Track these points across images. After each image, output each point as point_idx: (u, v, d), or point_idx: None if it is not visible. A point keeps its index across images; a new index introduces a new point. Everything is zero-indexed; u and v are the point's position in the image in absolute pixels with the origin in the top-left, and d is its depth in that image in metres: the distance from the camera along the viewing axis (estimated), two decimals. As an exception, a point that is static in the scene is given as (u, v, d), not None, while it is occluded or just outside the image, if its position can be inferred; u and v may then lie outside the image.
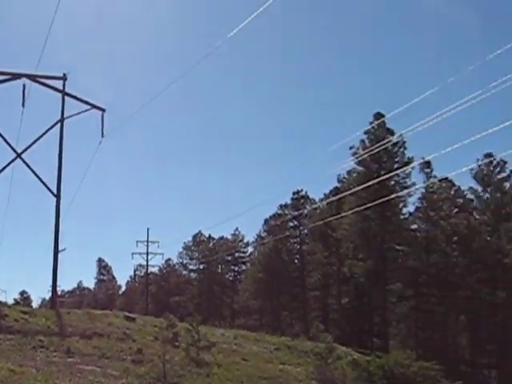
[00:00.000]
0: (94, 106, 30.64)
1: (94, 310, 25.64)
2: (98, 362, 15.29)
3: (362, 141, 50.16)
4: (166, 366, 14.75)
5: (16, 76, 29.80)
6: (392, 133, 47.46)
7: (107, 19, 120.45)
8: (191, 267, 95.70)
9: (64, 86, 30.12)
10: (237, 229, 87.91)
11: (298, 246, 70.15)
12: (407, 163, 49.02)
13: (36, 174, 29.51)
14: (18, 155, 29.62)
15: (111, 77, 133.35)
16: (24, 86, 29.88)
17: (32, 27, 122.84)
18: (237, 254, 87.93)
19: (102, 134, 31.00)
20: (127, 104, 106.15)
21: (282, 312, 72.02)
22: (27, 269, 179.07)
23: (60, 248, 28.77)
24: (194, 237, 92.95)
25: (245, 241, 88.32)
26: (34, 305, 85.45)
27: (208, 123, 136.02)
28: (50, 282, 28.81)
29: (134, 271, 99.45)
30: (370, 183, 36.89)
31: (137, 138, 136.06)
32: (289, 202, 70.93)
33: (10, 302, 39.35)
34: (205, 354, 18.17)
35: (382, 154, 49.07)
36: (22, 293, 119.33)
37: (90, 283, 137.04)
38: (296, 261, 70.45)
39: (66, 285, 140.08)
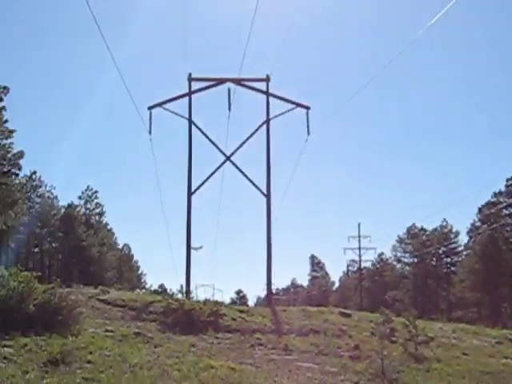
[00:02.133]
0: (298, 105, 31.10)
1: (309, 307, 25.84)
2: (316, 359, 15.21)
3: None
4: (384, 361, 14.16)
5: (221, 81, 31.31)
6: None
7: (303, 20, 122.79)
8: (405, 261, 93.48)
9: (267, 87, 31.00)
10: (444, 219, 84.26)
11: (515, 234, 64.98)
12: None
13: (245, 175, 30.66)
14: (228, 158, 31.00)
15: (306, 76, 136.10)
16: (229, 90, 31.34)
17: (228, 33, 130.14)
18: (450, 246, 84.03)
19: (308, 131, 31.30)
20: (321, 101, 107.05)
21: (501, 304, 67.21)
22: (243, 268, 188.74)
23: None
24: (408, 229, 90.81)
25: (455, 230, 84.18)
26: (250, 303, 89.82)
27: (411, 112, 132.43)
28: (265, 281, 29.85)
29: (347, 267, 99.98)
30: None
31: (338, 132, 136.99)
32: (503, 189, 66.33)
33: (227, 301, 41.49)
34: (423, 349, 17.25)
35: None
36: (238, 292, 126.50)
37: (303, 280, 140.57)
38: (514, 250, 65.31)
39: (280, 282, 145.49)
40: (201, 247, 31.13)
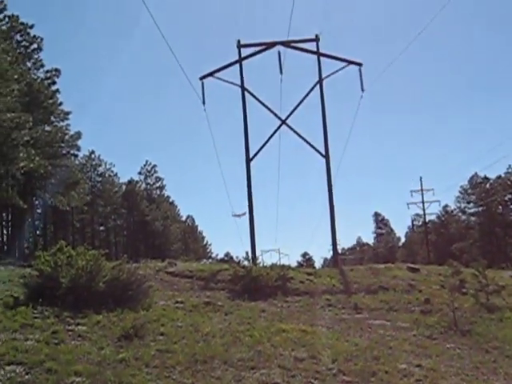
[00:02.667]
0: (350, 62, 30.48)
1: (376, 265, 25.60)
2: (387, 316, 15.08)
3: None
4: (455, 313, 13.90)
5: (271, 45, 30.95)
6: None
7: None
8: (470, 211, 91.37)
9: (318, 47, 30.50)
10: (509, 166, 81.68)
11: None
12: None
13: (302, 138, 30.41)
14: (283, 121, 30.77)
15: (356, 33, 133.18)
16: (279, 53, 30.96)
17: None
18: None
19: (362, 88, 30.70)
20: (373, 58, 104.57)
21: None
22: (306, 231, 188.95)
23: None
24: (470, 180, 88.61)
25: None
26: (317, 265, 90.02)
27: (470, 63, 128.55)
28: (330, 242, 29.69)
29: (412, 221, 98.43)
30: None
31: (393, 88, 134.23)
32: None
33: (294, 265, 41.59)
34: (495, 299, 16.86)
35: None
36: (304, 254, 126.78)
37: (368, 238, 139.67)
38: None
39: (345, 242, 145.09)
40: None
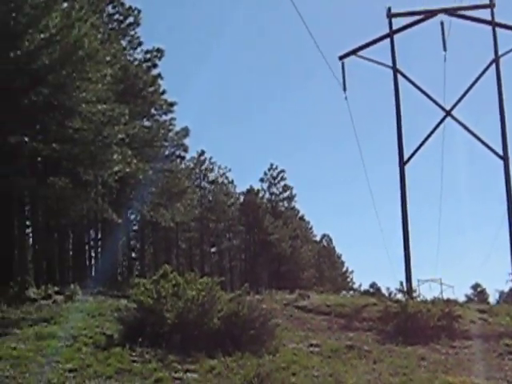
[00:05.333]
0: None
1: None
2: None
3: None
4: None
5: (431, 14, 30.71)
6: None
7: None
8: None
9: (493, 14, 30.00)
10: None
11: None
12: None
13: (474, 134, 29.98)
14: (448, 113, 30.32)
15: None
16: (442, 24, 30.66)
17: None
18: None
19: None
20: None
21: None
22: (476, 256, 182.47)
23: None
24: None
25: None
26: (492, 300, 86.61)
27: None
28: (509, 270, 28.82)
29: None
30: None
31: None
32: None
33: (461, 298, 40.54)
34: None
35: None
36: (475, 286, 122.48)
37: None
38: None
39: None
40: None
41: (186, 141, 56.55)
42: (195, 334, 13.58)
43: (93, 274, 51.68)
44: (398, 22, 30.99)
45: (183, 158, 60.99)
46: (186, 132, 55.55)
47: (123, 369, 11.81)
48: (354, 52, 30.98)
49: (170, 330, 13.71)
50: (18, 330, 17.23)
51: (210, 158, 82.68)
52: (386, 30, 30.70)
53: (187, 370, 11.90)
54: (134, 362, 12.40)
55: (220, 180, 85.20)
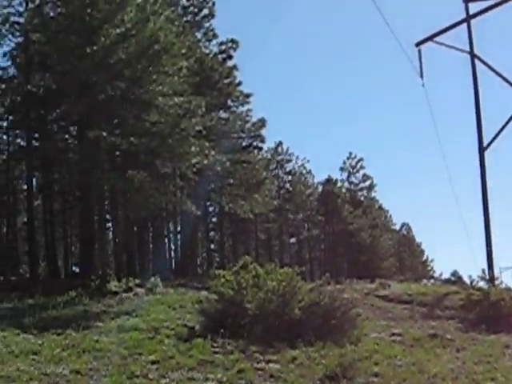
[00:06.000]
0: None
1: None
2: None
3: None
4: None
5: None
6: None
7: None
8: None
9: None
10: None
11: None
12: None
13: None
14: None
15: None
16: None
17: None
18: None
19: None
20: None
21: None
22: None
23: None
24: None
25: None
26: None
27: None
28: None
29: None
30: None
31: None
32: None
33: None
34: None
35: None
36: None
37: None
38: None
39: None
40: None
41: (263, 131, 56.18)
42: (276, 324, 13.60)
43: (173, 266, 52.48)
44: (476, 6, 30.42)
45: (260, 148, 60.93)
46: (262, 123, 55.13)
47: (205, 360, 11.90)
48: (430, 38, 30.60)
49: (251, 321, 13.76)
50: (100, 322, 17.64)
51: (288, 149, 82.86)
52: (460, 16, 30.18)
53: (269, 361, 11.92)
54: (215, 353, 12.49)
55: (298, 171, 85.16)
